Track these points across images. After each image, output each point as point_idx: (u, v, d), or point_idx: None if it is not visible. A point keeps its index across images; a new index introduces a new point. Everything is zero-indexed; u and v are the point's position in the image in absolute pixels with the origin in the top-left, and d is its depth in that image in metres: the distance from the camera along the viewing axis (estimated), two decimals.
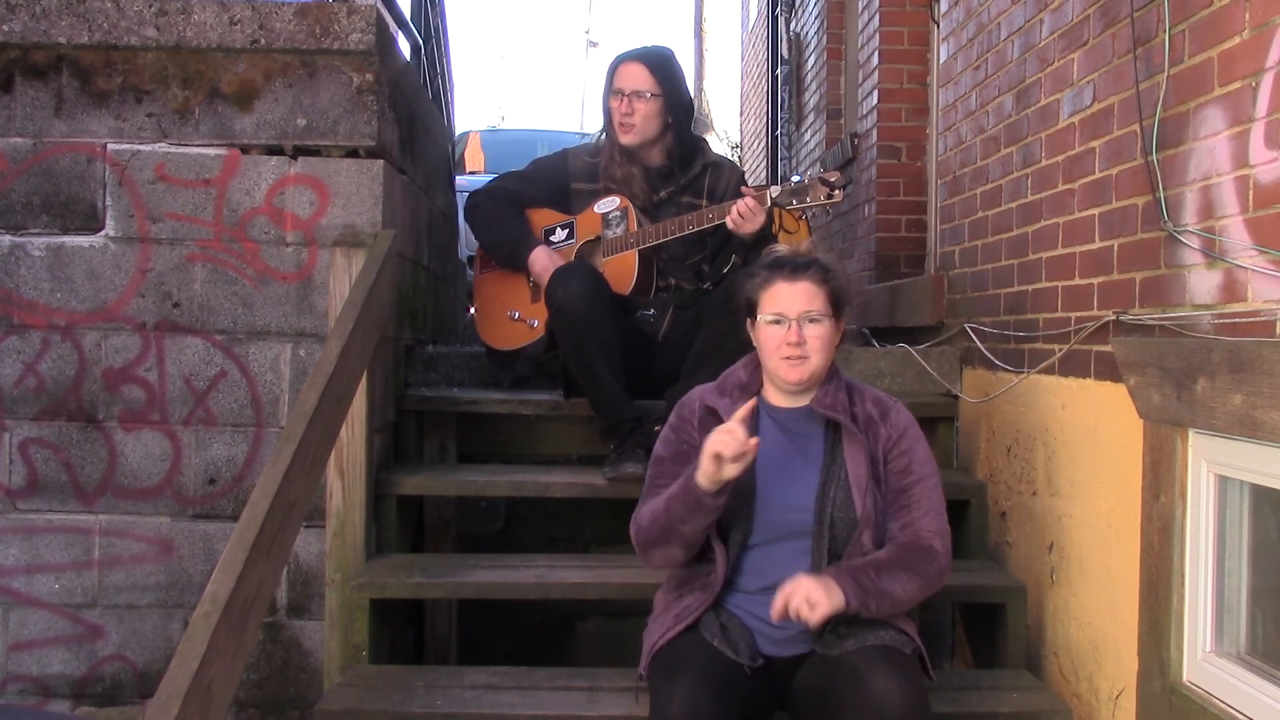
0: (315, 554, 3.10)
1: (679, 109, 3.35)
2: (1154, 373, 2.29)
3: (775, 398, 2.41)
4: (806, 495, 2.32)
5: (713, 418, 2.37)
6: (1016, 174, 3.19)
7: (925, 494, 2.35)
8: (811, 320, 2.30)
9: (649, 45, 3.42)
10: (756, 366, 2.43)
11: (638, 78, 3.30)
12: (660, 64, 3.33)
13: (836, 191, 3.12)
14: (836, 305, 2.34)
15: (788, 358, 2.30)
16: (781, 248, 2.51)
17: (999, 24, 3.37)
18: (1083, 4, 2.75)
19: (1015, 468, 3.18)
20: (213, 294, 3.15)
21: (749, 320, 2.39)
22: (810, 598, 2.14)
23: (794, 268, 2.33)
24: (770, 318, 2.31)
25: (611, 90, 3.34)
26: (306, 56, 3.13)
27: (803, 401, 2.39)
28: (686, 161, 3.40)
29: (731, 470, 2.13)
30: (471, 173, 7.93)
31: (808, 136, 7.13)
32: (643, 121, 3.30)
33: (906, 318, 4.16)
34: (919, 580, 2.27)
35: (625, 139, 3.32)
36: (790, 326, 2.29)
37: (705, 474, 2.15)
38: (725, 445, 2.12)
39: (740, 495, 2.31)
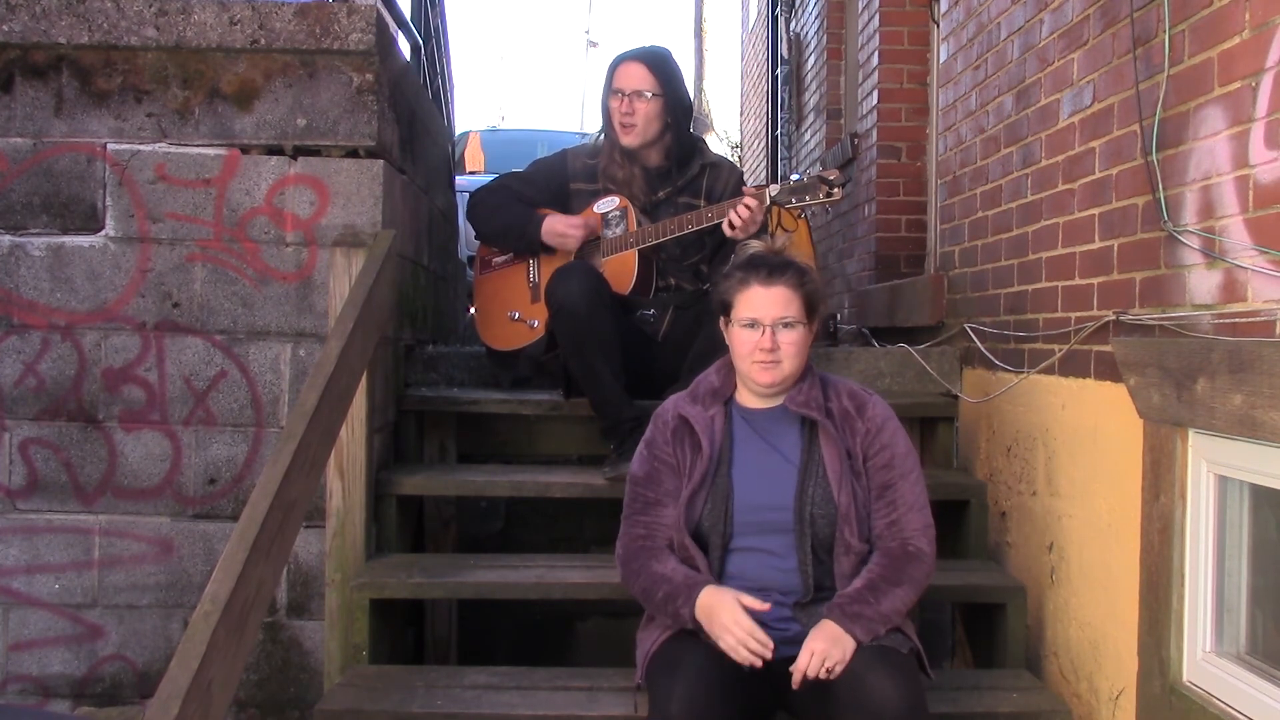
0: (315, 554, 3.10)
1: (678, 109, 3.35)
2: (1154, 373, 2.29)
3: (748, 399, 2.41)
4: (785, 494, 2.32)
5: (685, 426, 2.39)
6: (1016, 174, 3.19)
7: (908, 489, 2.36)
8: (786, 325, 2.30)
9: (647, 45, 3.42)
10: (730, 371, 2.43)
11: (638, 77, 3.30)
12: (660, 64, 3.33)
13: (836, 190, 3.12)
14: (810, 309, 2.34)
15: (760, 362, 2.30)
16: (755, 243, 2.51)
17: (999, 24, 3.37)
18: (1083, 4, 2.75)
19: (1015, 468, 3.18)
20: (213, 294, 3.15)
21: (723, 318, 2.39)
22: (828, 663, 2.16)
23: (770, 271, 2.33)
24: (745, 321, 2.32)
25: (611, 90, 3.33)
26: (306, 56, 3.13)
27: (777, 401, 2.39)
28: (685, 162, 3.39)
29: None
30: (471, 173, 7.93)
31: (808, 136, 7.13)
32: (644, 122, 3.29)
33: (906, 318, 4.16)
34: (913, 589, 2.30)
35: (626, 140, 3.31)
36: (764, 332, 2.29)
37: (715, 632, 2.21)
38: (743, 649, 2.18)
39: (718, 499, 2.32)
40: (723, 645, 2.19)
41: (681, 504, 2.34)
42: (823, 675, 2.16)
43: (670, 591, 2.28)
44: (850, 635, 2.19)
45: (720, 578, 2.33)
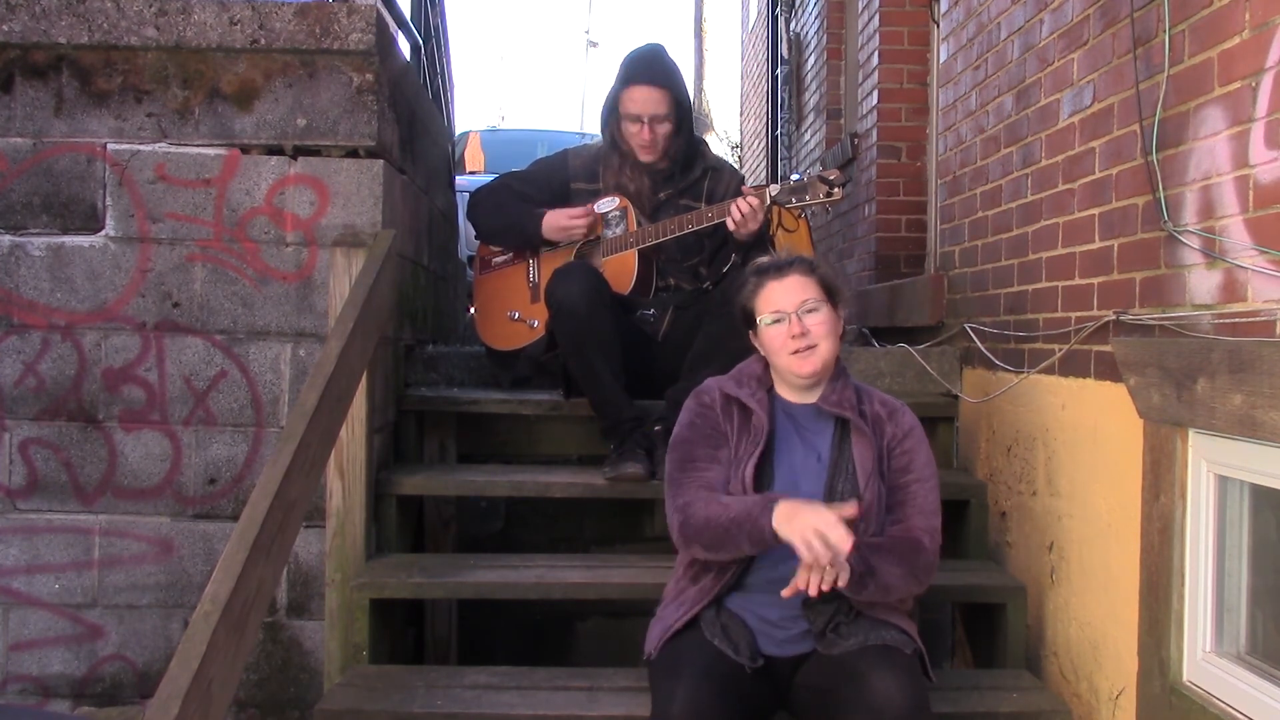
0: (315, 554, 3.10)
1: (687, 117, 3.36)
2: (1154, 373, 2.29)
3: (787, 393, 2.42)
4: (815, 490, 2.32)
5: (734, 405, 2.39)
6: (1016, 174, 3.19)
7: (922, 494, 2.36)
8: (810, 310, 2.32)
9: (647, 55, 3.35)
10: (769, 363, 2.43)
11: (655, 101, 3.28)
12: (672, 80, 3.32)
13: (836, 190, 3.12)
14: (830, 293, 2.36)
15: (796, 351, 2.31)
16: (764, 257, 2.52)
17: (999, 24, 3.37)
18: (1083, 4, 2.75)
19: (1015, 468, 3.18)
20: (213, 294, 3.14)
21: (751, 331, 2.40)
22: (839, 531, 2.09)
23: (779, 266, 2.37)
24: (770, 318, 2.33)
25: (628, 115, 3.29)
26: (306, 56, 3.13)
27: (812, 397, 2.39)
28: (688, 165, 3.39)
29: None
30: (471, 173, 7.93)
31: (808, 136, 7.13)
32: (663, 141, 3.32)
33: (906, 318, 4.16)
34: (905, 569, 2.25)
35: (646, 158, 3.33)
36: (791, 320, 2.31)
37: (797, 534, 2.10)
38: (826, 546, 2.09)
39: (757, 489, 2.31)
40: (805, 548, 2.09)
41: (745, 467, 2.31)
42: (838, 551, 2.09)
43: (740, 515, 2.20)
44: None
45: (748, 567, 2.33)
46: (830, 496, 2.31)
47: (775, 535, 2.14)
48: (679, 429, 2.43)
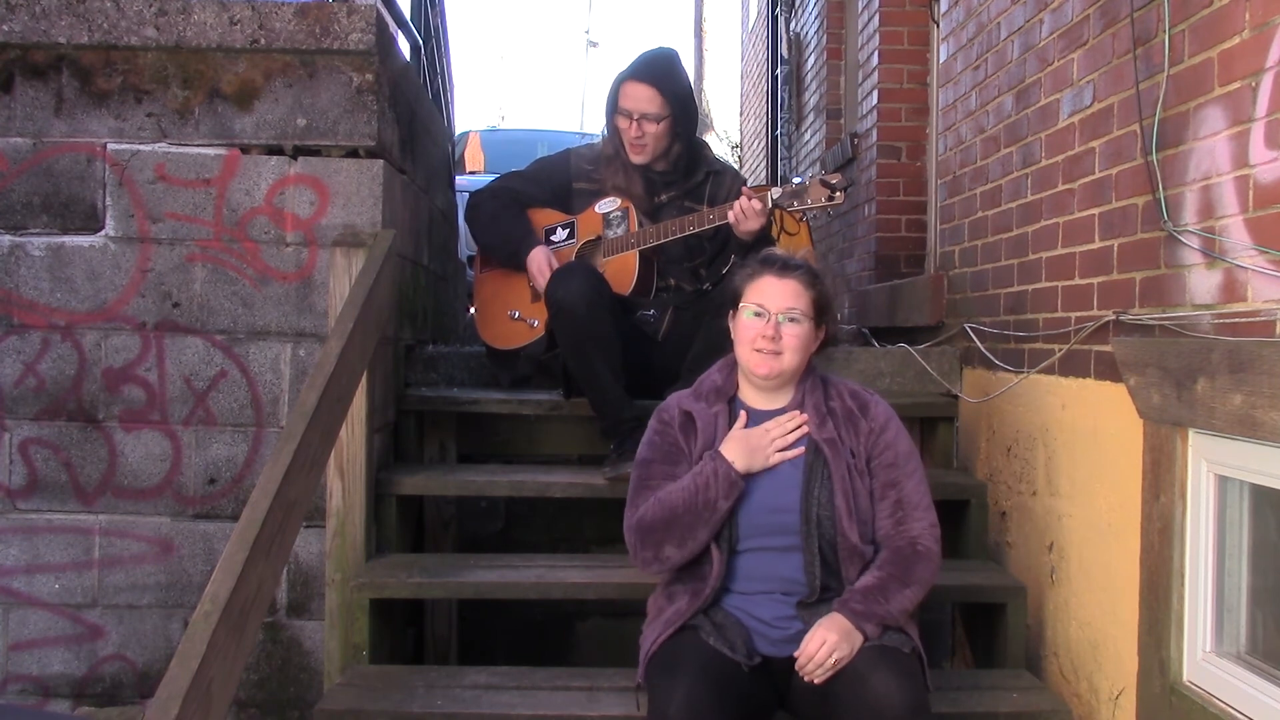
0: (315, 554, 3.10)
1: (687, 122, 3.33)
2: (1154, 373, 2.29)
3: (753, 399, 2.41)
4: (791, 495, 2.32)
5: (690, 422, 2.39)
6: (1016, 174, 3.19)
7: (913, 489, 2.37)
8: (791, 319, 2.32)
9: (654, 56, 3.35)
10: (732, 370, 2.44)
11: (645, 99, 3.25)
12: (669, 83, 3.28)
13: (838, 194, 3.11)
14: (819, 310, 2.35)
15: (760, 350, 2.32)
16: (779, 250, 2.52)
17: (999, 24, 3.37)
18: (1083, 4, 2.75)
19: (1015, 468, 3.18)
20: (213, 294, 3.15)
21: (731, 313, 2.40)
22: (836, 654, 2.17)
23: (784, 265, 2.37)
24: (752, 310, 2.33)
25: (618, 109, 3.29)
26: (306, 56, 3.13)
27: (780, 402, 2.39)
28: (690, 168, 3.39)
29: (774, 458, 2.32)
30: (471, 173, 7.93)
31: (808, 136, 7.13)
32: (653, 142, 3.29)
33: (906, 318, 4.16)
34: (921, 590, 2.31)
35: (636, 158, 3.31)
36: (770, 320, 2.31)
37: (761, 456, 2.30)
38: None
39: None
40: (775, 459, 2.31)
41: None
42: (827, 666, 2.16)
43: (698, 482, 2.28)
44: (860, 632, 2.20)
45: (728, 578, 2.33)
46: (808, 501, 2.31)
47: (740, 472, 2.28)
48: (641, 448, 2.45)
